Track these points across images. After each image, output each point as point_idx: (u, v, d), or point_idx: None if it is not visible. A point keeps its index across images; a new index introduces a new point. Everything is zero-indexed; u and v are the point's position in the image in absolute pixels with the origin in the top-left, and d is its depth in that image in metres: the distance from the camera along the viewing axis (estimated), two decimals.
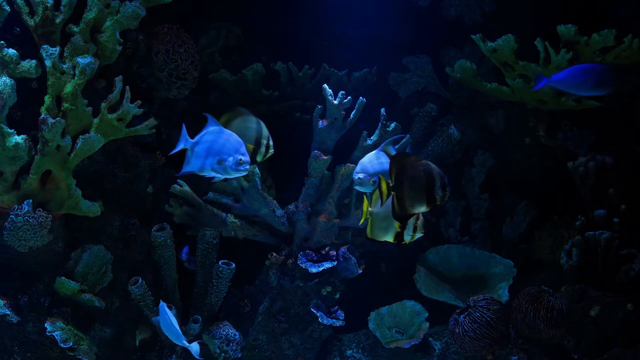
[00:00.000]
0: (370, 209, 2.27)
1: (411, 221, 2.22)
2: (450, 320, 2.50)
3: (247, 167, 2.17)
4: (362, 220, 2.31)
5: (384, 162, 2.32)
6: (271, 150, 2.36)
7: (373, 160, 2.32)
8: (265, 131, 2.34)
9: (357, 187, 2.33)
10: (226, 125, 2.30)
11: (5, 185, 2.26)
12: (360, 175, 2.29)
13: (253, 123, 2.35)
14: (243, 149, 2.17)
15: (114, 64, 2.44)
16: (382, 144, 2.37)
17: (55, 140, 2.19)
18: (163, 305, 2.39)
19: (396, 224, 2.23)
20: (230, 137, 2.18)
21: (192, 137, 2.20)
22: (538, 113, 2.86)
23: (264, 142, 2.33)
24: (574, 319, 2.42)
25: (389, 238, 2.27)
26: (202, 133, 2.20)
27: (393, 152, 2.36)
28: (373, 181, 2.30)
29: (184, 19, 2.77)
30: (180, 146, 2.20)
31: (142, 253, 2.67)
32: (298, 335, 2.87)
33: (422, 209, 2.10)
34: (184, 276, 2.72)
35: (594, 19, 2.51)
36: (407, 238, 2.26)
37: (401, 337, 2.84)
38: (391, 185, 2.09)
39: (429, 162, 2.09)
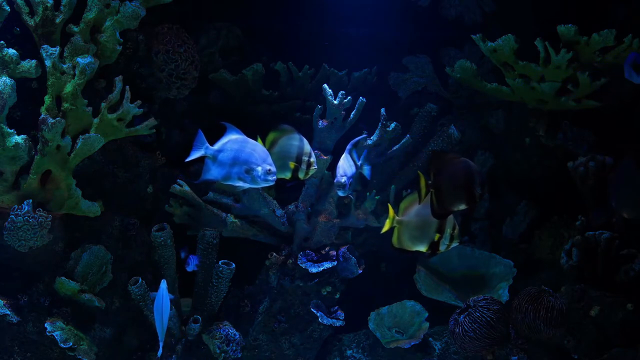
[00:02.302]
0: (398, 217, 2.25)
1: (448, 229, 2.20)
2: (450, 320, 2.50)
3: (275, 177, 2.15)
4: (385, 229, 2.26)
5: (352, 164, 2.37)
6: (313, 167, 2.31)
7: (347, 164, 2.34)
8: (306, 147, 2.30)
9: (339, 191, 2.32)
10: (273, 143, 2.28)
11: (5, 185, 2.26)
12: (344, 179, 2.29)
13: (295, 140, 2.31)
14: (270, 159, 2.15)
15: (114, 64, 2.44)
16: (348, 146, 2.36)
17: (55, 140, 2.19)
18: (164, 284, 2.32)
19: (435, 234, 2.20)
20: (256, 147, 2.16)
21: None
22: (538, 113, 2.86)
23: (305, 158, 2.29)
24: (574, 319, 2.42)
25: (422, 248, 2.23)
26: (224, 141, 2.17)
27: (354, 156, 2.35)
28: (350, 183, 2.32)
29: (184, 19, 2.78)
30: (199, 153, 2.15)
31: (142, 253, 2.67)
32: (298, 335, 2.87)
33: (462, 206, 2.08)
34: (184, 276, 2.72)
35: (594, 19, 2.52)
36: (443, 248, 2.22)
37: (401, 337, 2.84)
38: (430, 182, 2.07)
39: (467, 160, 2.08)
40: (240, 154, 2.14)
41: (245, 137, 2.18)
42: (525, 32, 2.54)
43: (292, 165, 2.27)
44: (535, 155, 3.03)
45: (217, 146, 2.17)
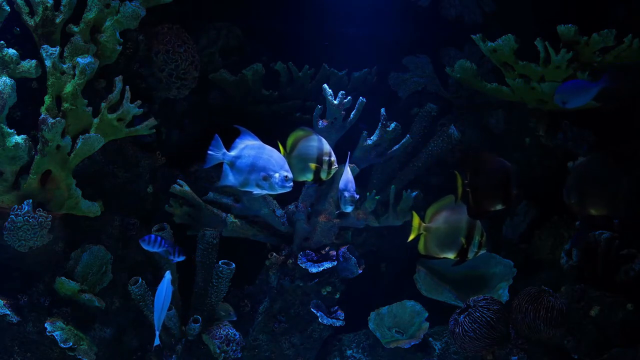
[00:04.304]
0: (425, 224, 2.23)
1: (477, 236, 2.18)
2: (450, 320, 2.50)
3: (292, 183, 2.13)
4: (411, 237, 2.24)
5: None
6: (334, 167, 2.28)
7: (352, 178, 2.33)
8: (326, 148, 2.27)
9: (348, 207, 2.31)
10: (294, 146, 2.28)
11: (5, 185, 2.26)
12: (355, 195, 2.29)
13: (314, 141, 2.29)
14: (287, 166, 2.14)
15: (114, 64, 2.44)
16: (346, 167, 2.35)
17: (55, 140, 2.19)
18: (168, 275, 2.30)
19: (462, 239, 2.17)
20: (273, 153, 2.14)
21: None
22: (538, 113, 2.86)
23: (325, 159, 2.27)
24: (574, 319, 2.42)
25: (450, 255, 2.22)
26: (241, 146, 2.15)
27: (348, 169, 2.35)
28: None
29: (184, 19, 2.78)
30: (217, 159, 2.13)
31: (142, 253, 2.67)
32: (298, 335, 2.87)
33: (498, 206, 2.06)
34: (184, 276, 2.72)
35: (594, 19, 2.51)
36: (471, 255, 2.21)
37: (401, 337, 2.84)
38: (466, 181, 2.05)
39: (504, 160, 2.06)
40: (258, 161, 2.12)
41: (261, 142, 2.17)
42: (525, 32, 2.54)
43: (313, 166, 2.25)
44: (535, 155, 3.03)
45: (233, 152, 2.14)
